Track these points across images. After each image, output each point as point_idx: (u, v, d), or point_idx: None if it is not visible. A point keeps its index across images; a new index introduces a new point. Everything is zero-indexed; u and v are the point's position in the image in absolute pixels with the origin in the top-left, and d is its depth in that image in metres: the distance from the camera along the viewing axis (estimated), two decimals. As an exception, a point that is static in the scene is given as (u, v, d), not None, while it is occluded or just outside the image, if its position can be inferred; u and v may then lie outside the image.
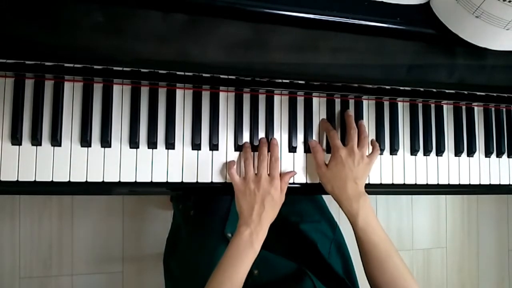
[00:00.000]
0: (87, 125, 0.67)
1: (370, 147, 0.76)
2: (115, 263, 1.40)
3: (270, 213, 0.68)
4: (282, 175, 0.72)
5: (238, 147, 0.73)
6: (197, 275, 0.76)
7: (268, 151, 0.72)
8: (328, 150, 0.76)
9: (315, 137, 0.77)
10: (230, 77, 0.70)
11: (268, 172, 0.70)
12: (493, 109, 0.86)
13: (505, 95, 0.81)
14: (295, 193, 0.75)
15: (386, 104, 0.80)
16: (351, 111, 0.78)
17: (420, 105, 0.82)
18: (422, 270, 1.70)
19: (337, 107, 0.78)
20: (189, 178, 0.71)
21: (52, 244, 1.36)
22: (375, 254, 0.67)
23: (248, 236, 0.65)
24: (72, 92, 0.68)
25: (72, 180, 0.67)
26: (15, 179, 0.65)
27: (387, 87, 0.74)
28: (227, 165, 0.72)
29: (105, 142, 0.68)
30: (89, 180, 0.67)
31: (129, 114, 0.69)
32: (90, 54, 0.61)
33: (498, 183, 0.85)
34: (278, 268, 0.75)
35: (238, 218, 0.69)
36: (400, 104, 0.81)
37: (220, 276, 0.63)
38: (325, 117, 0.77)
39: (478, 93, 0.79)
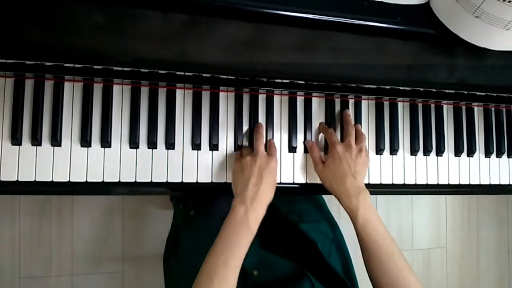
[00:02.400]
0: (87, 125, 0.67)
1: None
2: (115, 263, 1.40)
3: (268, 187, 0.65)
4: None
5: (238, 147, 0.73)
6: (197, 275, 0.76)
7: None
8: (327, 151, 0.76)
9: (314, 137, 0.77)
10: (230, 77, 0.70)
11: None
12: (493, 109, 0.86)
13: (505, 95, 0.81)
14: (294, 193, 0.75)
15: (386, 104, 0.80)
16: (351, 111, 0.78)
17: (420, 105, 0.82)
18: (422, 270, 1.70)
19: (337, 107, 0.78)
20: (189, 178, 0.71)
21: (52, 244, 1.36)
22: (376, 252, 0.66)
23: (243, 213, 0.61)
24: (72, 92, 0.68)
25: (72, 180, 0.67)
26: (15, 179, 0.65)
27: (387, 87, 0.74)
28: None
29: (105, 142, 0.68)
30: (89, 180, 0.67)
31: (129, 114, 0.69)
32: (90, 54, 0.61)
33: (498, 183, 0.85)
34: (278, 269, 0.75)
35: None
36: (400, 104, 0.81)
37: (214, 261, 0.59)
38: (324, 116, 0.77)
39: (478, 93, 0.79)
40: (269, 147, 0.71)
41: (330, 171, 0.70)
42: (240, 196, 0.64)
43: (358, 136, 0.73)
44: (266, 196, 0.65)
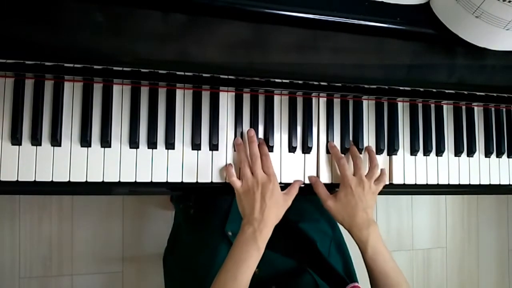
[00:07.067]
0: (87, 125, 0.67)
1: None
2: (115, 263, 1.40)
3: (273, 209, 0.67)
4: (291, 186, 0.72)
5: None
6: (197, 274, 0.76)
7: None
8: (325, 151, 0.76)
9: (314, 137, 0.76)
10: (230, 77, 0.70)
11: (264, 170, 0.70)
12: (493, 109, 0.86)
13: (505, 95, 0.81)
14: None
15: (386, 104, 0.80)
16: (350, 111, 0.78)
17: (420, 105, 0.82)
18: (422, 270, 1.70)
19: (337, 107, 0.78)
20: (189, 178, 0.71)
21: (52, 244, 1.36)
22: (384, 282, 0.67)
23: (251, 233, 0.65)
24: (72, 92, 0.68)
25: (72, 180, 0.66)
26: (15, 179, 0.65)
27: (387, 87, 0.74)
28: (226, 171, 0.71)
29: (105, 142, 0.68)
30: (89, 180, 0.67)
31: (129, 114, 0.69)
32: (90, 54, 0.61)
33: (498, 183, 0.85)
34: (279, 266, 0.75)
35: (240, 218, 0.68)
36: (400, 104, 0.81)
37: (223, 276, 0.62)
38: (325, 116, 0.77)
39: (478, 93, 0.79)
40: (264, 163, 0.70)
41: (342, 205, 0.71)
42: (247, 218, 0.67)
43: (371, 168, 0.74)
44: (272, 218, 0.67)
